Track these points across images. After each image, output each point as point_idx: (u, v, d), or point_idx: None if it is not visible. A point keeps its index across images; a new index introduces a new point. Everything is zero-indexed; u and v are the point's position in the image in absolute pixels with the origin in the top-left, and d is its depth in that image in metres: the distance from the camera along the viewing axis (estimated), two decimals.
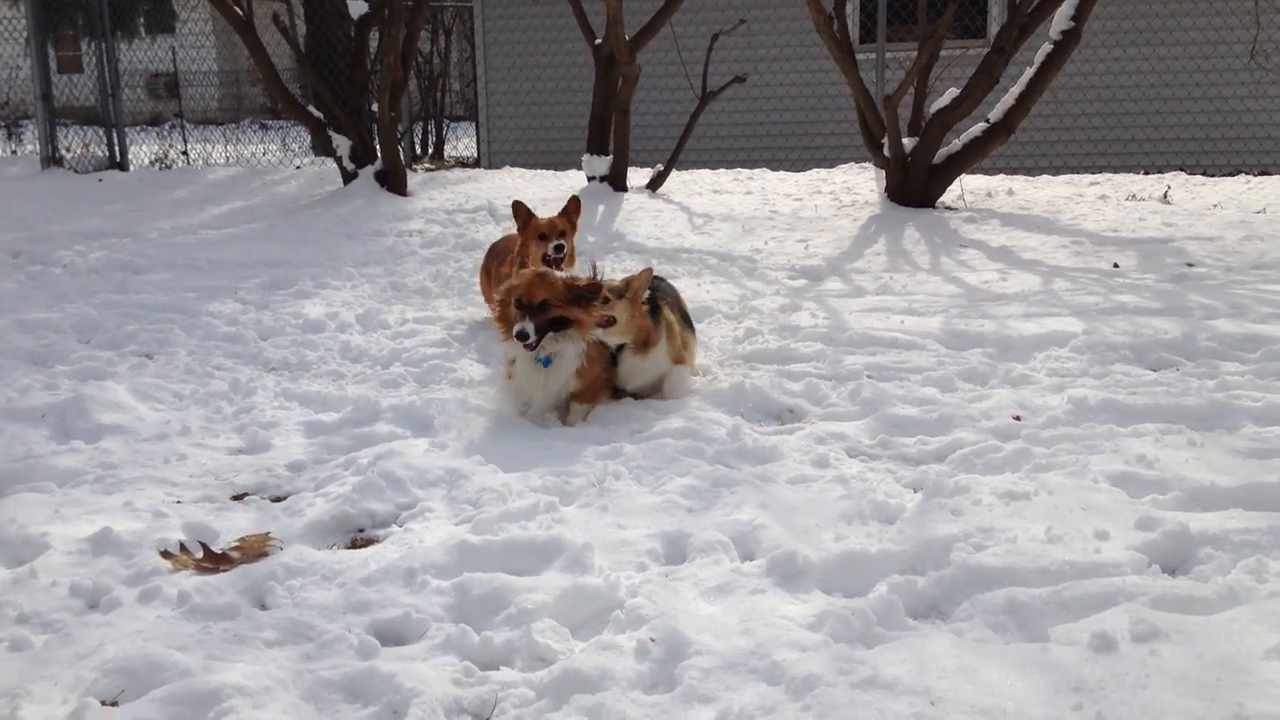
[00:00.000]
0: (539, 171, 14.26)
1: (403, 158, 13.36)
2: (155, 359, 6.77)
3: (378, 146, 12.63)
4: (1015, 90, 10.79)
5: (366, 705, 3.12)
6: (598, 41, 12.39)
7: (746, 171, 14.27)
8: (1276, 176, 13.34)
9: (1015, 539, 3.96)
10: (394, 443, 5.18)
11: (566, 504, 4.45)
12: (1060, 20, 10.61)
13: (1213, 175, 13.84)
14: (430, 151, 21.12)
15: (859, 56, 11.49)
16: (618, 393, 5.88)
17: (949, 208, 11.12)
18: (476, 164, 18.61)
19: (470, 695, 3.16)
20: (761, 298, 8.00)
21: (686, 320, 6.19)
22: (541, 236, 7.08)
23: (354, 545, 4.19)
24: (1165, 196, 11.55)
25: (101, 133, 15.32)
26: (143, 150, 17.01)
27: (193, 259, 9.56)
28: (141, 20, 26.99)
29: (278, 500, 4.69)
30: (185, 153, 17.68)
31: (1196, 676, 3.02)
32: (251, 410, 5.84)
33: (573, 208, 7.34)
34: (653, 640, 3.35)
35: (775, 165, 15.14)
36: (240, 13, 12.39)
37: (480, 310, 7.69)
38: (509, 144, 18.58)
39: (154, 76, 25.74)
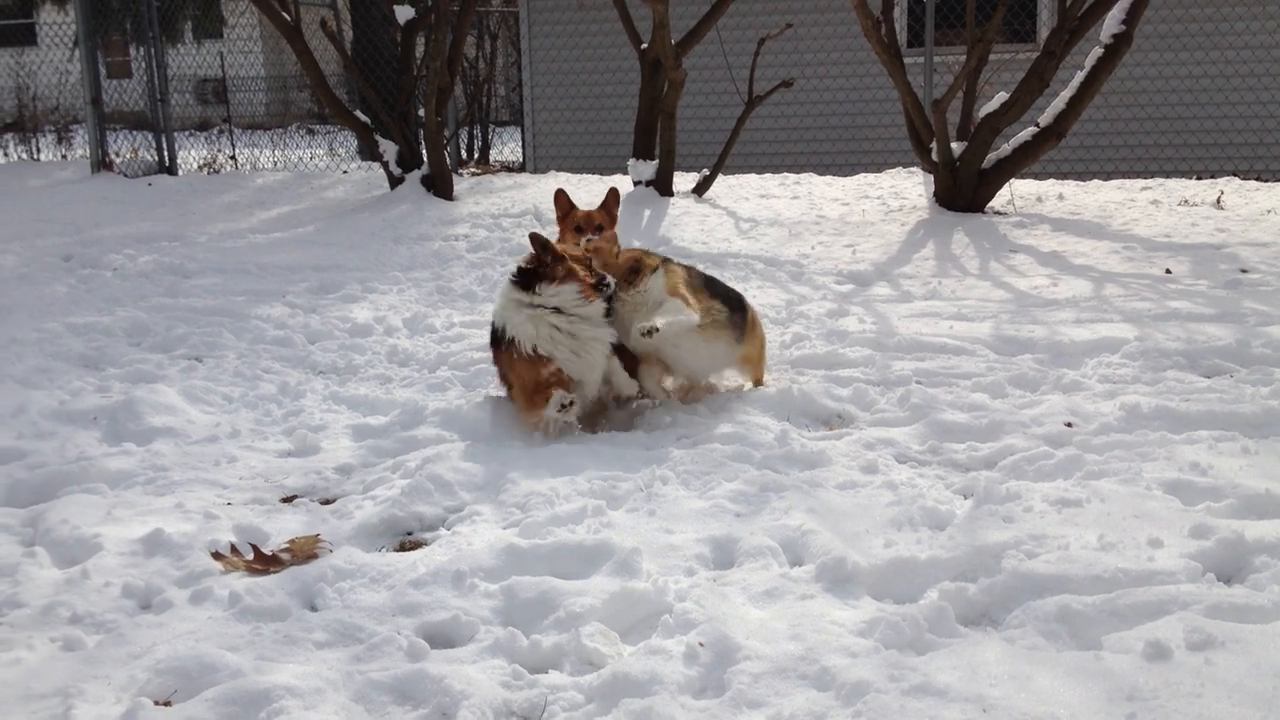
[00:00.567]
0: (584, 176, 14.26)
1: (449, 162, 13.41)
2: (205, 362, 6.83)
3: (424, 151, 12.70)
4: (1066, 94, 10.70)
5: (416, 707, 3.13)
6: (644, 46, 12.38)
7: (793, 176, 14.21)
8: None
9: (1068, 546, 3.93)
10: (441, 446, 5.19)
11: (614, 508, 4.45)
12: (1111, 23, 10.51)
13: (1267, 180, 13.65)
14: (476, 156, 21.21)
15: (907, 61, 11.41)
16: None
17: (998, 213, 11.03)
18: (522, 169, 18.66)
19: (519, 698, 3.16)
20: (808, 303, 7.97)
21: None
22: (577, 229, 6.76)
23: (402, 548, 4.21)
24: (1219, 202, 11.40)
25: (150, 137, 15.48)
26: (191, 155, 17.17)
27: (241, 263, 9.64)
28: (189, 25, 27.30)
29: (326, 503, 4.72)
30: (233, 157, 17.83)
31: (1252, 686, 2.98)
32: (300, 413, 5.88)
33: (611, 200, 7.01)
34: (701, 645, 3.34)
35: (822, 170, 15.07)
36: (288, 18, 12.50)
37: None
38: (554, 149, 18.62)
39: (202, 82, 26.01)
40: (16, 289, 8.83)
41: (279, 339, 7.25)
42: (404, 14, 12.75)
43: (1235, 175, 14.04)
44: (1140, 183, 13.09)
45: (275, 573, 3.90)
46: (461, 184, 13.17)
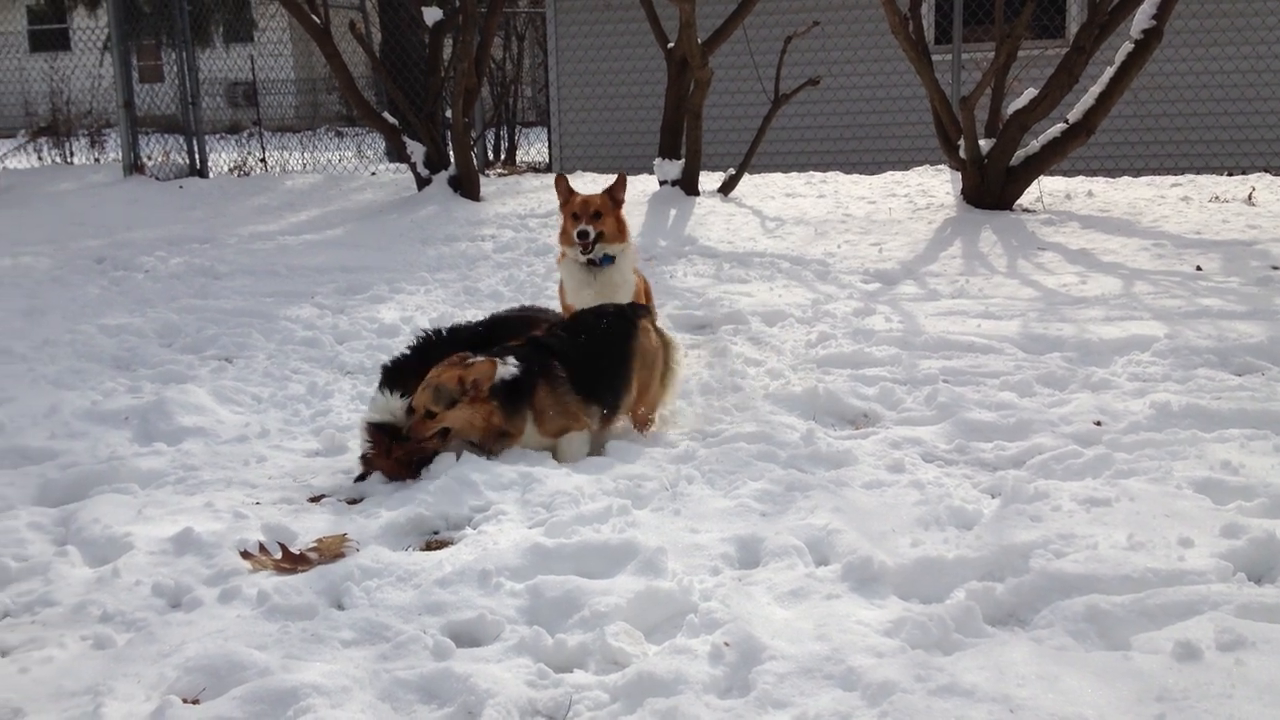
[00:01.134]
0: (611, 176, 14.26)
1: (475, 163, 13.44)
2: (235, 363, 6.88)
3: (451, 152, 12.74)
4: (1095, 90, 10.63)
5: (442, 706, 3.14)
6: (670, 45, 12.39)
7: (819, 175, 14.19)
8: None
9: (1096, 546, 3.91)
10: None
11: (639, 507, 4.45)
12: (1142, 19, 10.44)
13: None
14: (502, 157, 21.25)
15: (934, 58, 11.37)
16: None
17: (1026, 210, 10.98)
18: (548, 169, 18.69)
19: (544, 697, 3.17)
20: (834, 301, 7.95)
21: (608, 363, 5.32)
22: (574, 216, 6.35)
23: (429, 547, 4.22)
24: (1250, 198, 11.30)
25: (182, 141, 15.59)
26: (222, 158, 17.27)
27: (271, 265, 9.70)
28: (220, 29, 27.46)
29: (353, 503, 4.74)
30: (263, 160, 17.93)
31: None
32: (328, 413, 5.92)
33: (618, 185, 6.53)
34: (727, 644, 3.34)
35: (849, 168, 15.03)
36: (318, 21, 12.57)
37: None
38: (580, 149, 18.63)
39: (233, 85, 26.16)
40: (50, 291, 8.92)
41: (308, 340, 7.29)
42: (432, 15, 12.80)
43: (1267, 171, 13.92)
44: (1170, 179, 13.00)
45: (303, 572, 3.92)
46: (488, 185, 13.20)
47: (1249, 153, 15.55)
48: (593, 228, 6.25)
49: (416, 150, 12.83)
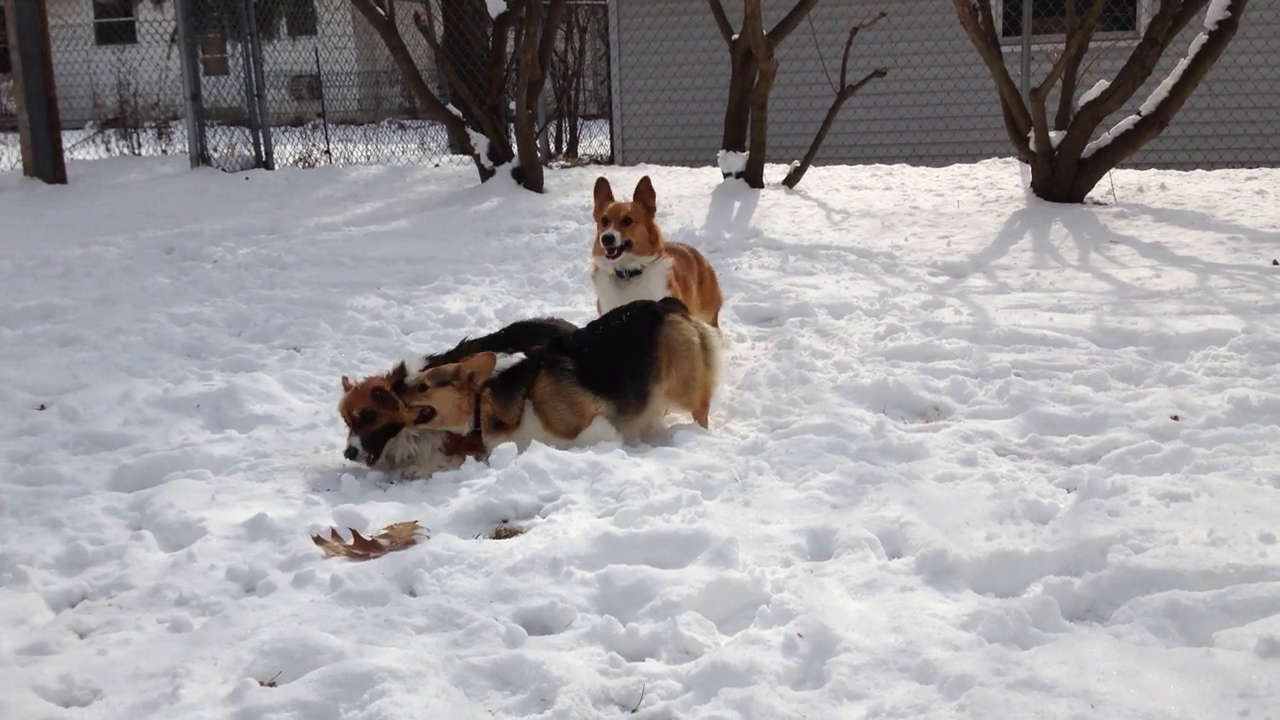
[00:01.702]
0: (674, 168, 14.26)
1: (539, 155, 13.47)
2: (303, 352, 6.93)
3: (514, 144, 12.77)
4: (1168, 82, 10.44)
5: (515, 693, 3.15)
6: (735, 37, 12.34)
7: (885, 167, 14.08)
8: None
9: (1176, 541, 3.85)
10: None
11: (709, 498, 4.43)
12: (1216, 9, 10.25)
13: None
14: (564, 149, 21.30)
15: (1003, 49, 11.23)
16: None
17: (1098, 203, 10.82)
18: (610, 161, 18.69)
19: (617, 685, 3.16)
20: (902, 294, 7.87)
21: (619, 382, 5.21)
22: (604, 221, 6.23)
23: (498, 535, 4.22)
24: None
25: (248, 133, 15.76)
26: (287, 150, 17.44)
27: (337, 255, 9.78)
28: (284, 22, 27.74)
29: (424, 489, 4.76)
30: (328, 152, 18.09)
31: None
32: None
33: (644, 189, 6.31)
34: (800, 636, 3.32)
35: (915, 161, 14.89)
36: (382, 13, 12.64)
37: None
38: (642, 141, 18.62)
39: (296, 78, 26.41)
40: (121, 280, 9.04)
41: (374, 329, 7.33)
42: (495, 7, 12.83)
43: None
44: (1245, 172, 12.76)
45: (375, 558, 3.94)
46: (551, 177, 13.22)
47: None
48: (620, 234, 6.12)
49: (480, 142, 12.87)
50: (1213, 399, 5.41)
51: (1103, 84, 10.62)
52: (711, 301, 6.91)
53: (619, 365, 5.20)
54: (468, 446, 5.09)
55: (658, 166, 14.61)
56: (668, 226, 9.34)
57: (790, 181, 12.46)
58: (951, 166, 13.82)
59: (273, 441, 5.34)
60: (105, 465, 5.10)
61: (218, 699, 3.08)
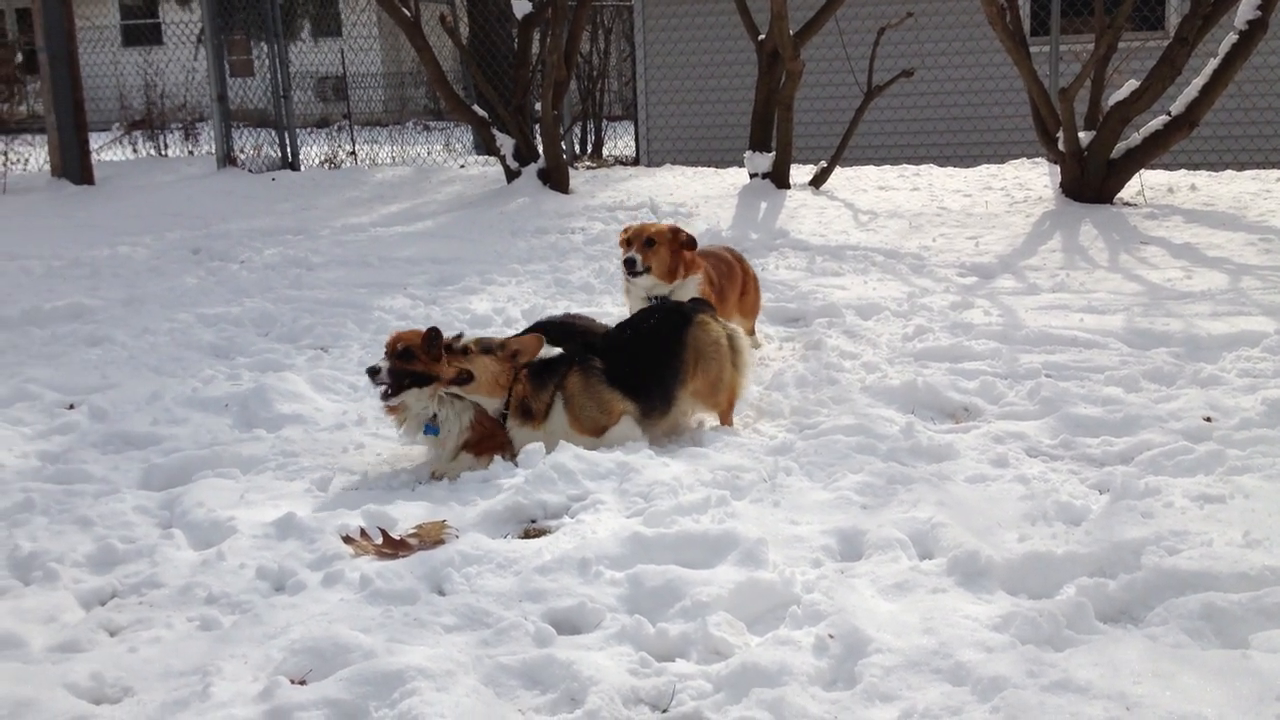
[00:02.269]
0: (699, 169, 14.23)
1: (564, 156, 13.47)
2: (330, 352, 6.94)
3: (540, 145, 12.77)
4: (1198, 82, 10.36)
5: (545, 692, 3.14)
6: (761, 37, 12.31)
7: (912, 168, 14.01)
8: None
9: (1211, 543, 3.82)
10: None
11: (738, 498, 4.41)
12: (1246, 9, 10.15)
13: None
14: (589, 151, 21.29)
15: (1031, 49, 11.16)
16: None
17: (1127, 204, 10.74)
18: (635, 162, 18.66)
19: (647, 685, 3.15)
20: (931, 295, 7.83)
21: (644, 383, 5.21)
22: (627, 243, 6.22)
23: (527, 535, 4.21)
24: None
25: (274, 134, 15.81)
26: (312, 151, 17.48)
27: (363, 256, 9.80)
28: (307, 23, 27.80)
29: (452, 489, 4.75)
30: (353, 153, 18.13)
31: None
32: None
33: (684, 232, 6.28)
34: (831, 637, 3.30)
35: (943, 161, 14.81)
36: (408, 14, 12.67)
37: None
38: (668, 142, 18.59)
39: (321, 80, 26.48)
40: (148, 281, 9.08)
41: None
42: (521, 8, 12.83)
43: None
44: (1276, 173, 12.63)
45: (404, 557, 3.94)
46: (577, 177, 13.21)
47: None
48: (640, 257, 6.11)
49: (506, 143, 12.88)
50: (1246, 400, 5.35)
51: (1132, 84, 10.54)
52: (754, 309, 6.90)
53: (646, 367, 5.21)
54: (493, 444, 5.09)
55: (683, 167, 14.58)
56: (694, 228, 9.30)
57: (817, 182, 12.42)
58: (979, 167, 13.74)
59: (301, 441, 5.35)
60: (135, 464, 5.13)
61: (248, 697, 3.09)
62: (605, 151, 21.54)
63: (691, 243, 6.29)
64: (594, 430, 5.07)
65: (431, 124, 25.72)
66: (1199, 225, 9.75)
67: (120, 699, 3.20)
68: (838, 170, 12.79)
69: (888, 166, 14.27)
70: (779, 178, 12.15)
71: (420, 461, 5.13)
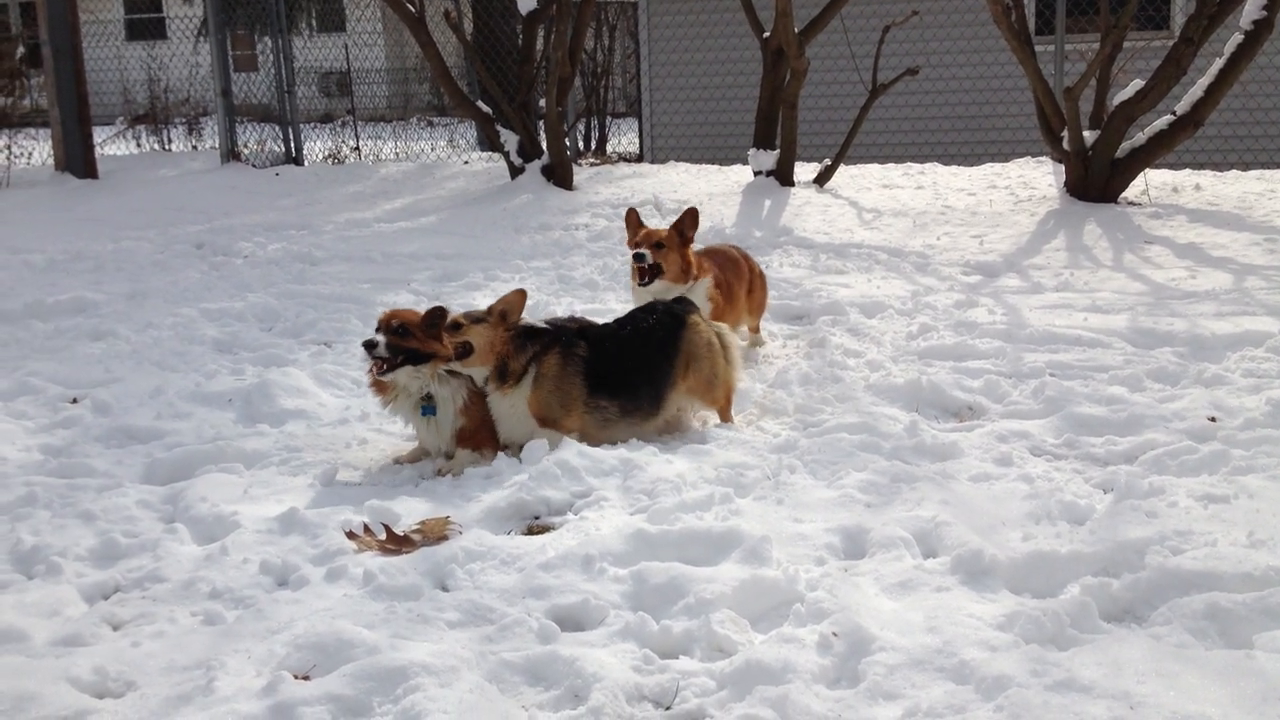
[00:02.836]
0: (704, 166, 14.21)
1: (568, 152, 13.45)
2: (333, 347, 6.94)
3: (544, 141, 12.76)
4: (1203, 82, 10.34)
5: (549, 688, 3.14)
6: (766, 35, 12.29)
7: (917, 166, 13.98)
8: None
9: (1215, 543, 3.83)
10: None
11: (742, 496, 4.41)
12: (1252, 9, 10.13)
13: None
14: (593, 147, 21.28)
15: (1036, 48, 11.14)
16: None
17: (1132, 203, 10.72)
18: (639, 159, 18.65)
19: (650, 683, 3.15)
20: (935, 294, 7.82)
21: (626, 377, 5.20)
22: (636, 244, 6.29)
23: (530, 532, 4.22)
24: None
25: (277, 129, 15.79)
26: (316, 146, 17.47)
27: (367, 251, 9.79)
28: (311, 18, 27.79)
29: (455, 485, 4.75)
30: (357, 149, 18.11)
31: None
32: None
33: (686, 219, 6.34)
34: (835, 635, 3.30)
35: (947, 160, 14.78)
36: (413, 9, 12.65)
37: None
38: (672, 139, 18.57)
39: (325, 75, 26.48)
40: (152, 275, 9.08)
41: None
42: (526, 5, 12.82)
43: None
44: None
45: (407, 553, 3.94)
46: (580, 174, 13.21)
47: None
48: (651, 254, 6.15)
49: (510, 139, 12.86)
50: (1250, 400, 5.35)
51: (1137, 84, 10.52)
52: (760, 306, 6.90)
53: (635, 366, 5.21)
54: (488, 434, 5.10)
55: (687, 164, 14.56)
56: (698, 225, 9.28)
57: (821, 180, 12.40)
58: (984, 166, 13.72)
59: (304, 436, 5.35)
60: (138, 459, 5.13)
61: (252, 692, 3.08)
62: (609, 148, 21.53)
63: (689, 239, 6.33)
64: (543, 420, 5.05)
65: (435, 120, 25.71)
66: (1203, 225, 9.73)
67: (123, 693, 3.19)
68: (842, 168, 12.77)
69: (892, 165, 14.25)
70: (783, 175, 12.13)
71: (417, 451, 5.12)
